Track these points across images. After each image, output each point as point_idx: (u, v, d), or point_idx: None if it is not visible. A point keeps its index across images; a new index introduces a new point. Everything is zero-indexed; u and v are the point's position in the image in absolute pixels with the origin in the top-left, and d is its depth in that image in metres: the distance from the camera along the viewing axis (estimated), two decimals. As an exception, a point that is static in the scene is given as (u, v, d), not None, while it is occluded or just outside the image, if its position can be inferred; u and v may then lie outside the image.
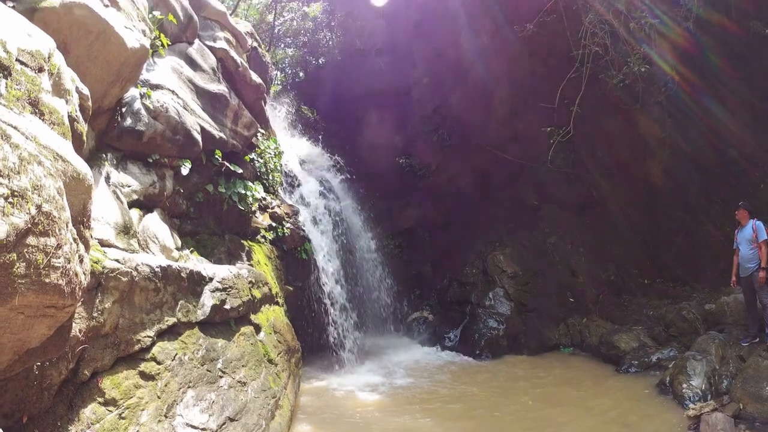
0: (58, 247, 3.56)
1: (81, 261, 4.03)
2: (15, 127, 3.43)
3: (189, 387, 5.99)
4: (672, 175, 16.62)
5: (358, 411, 9.87)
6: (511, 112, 17.45)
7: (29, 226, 3.25)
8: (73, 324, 4.62)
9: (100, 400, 5.00)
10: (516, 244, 16.33)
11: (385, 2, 18.62)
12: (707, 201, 16.31)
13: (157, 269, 6.02)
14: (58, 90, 4.46)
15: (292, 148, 14.79)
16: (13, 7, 5.42)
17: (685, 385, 10.20)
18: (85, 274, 4.11)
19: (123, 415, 5.07)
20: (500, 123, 17.51)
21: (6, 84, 3.67)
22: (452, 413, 9.91)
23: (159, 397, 5.51)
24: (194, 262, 7.98)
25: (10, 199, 3.12)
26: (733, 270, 10.87)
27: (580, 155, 17.36)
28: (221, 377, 6.69)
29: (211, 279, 7.39)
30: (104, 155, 7.21)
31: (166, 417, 5.46)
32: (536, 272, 15.75)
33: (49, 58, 4.26)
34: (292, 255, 11.89)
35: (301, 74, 23.22)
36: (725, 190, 15.65)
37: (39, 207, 3.34)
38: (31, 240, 3.29)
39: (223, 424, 6.11)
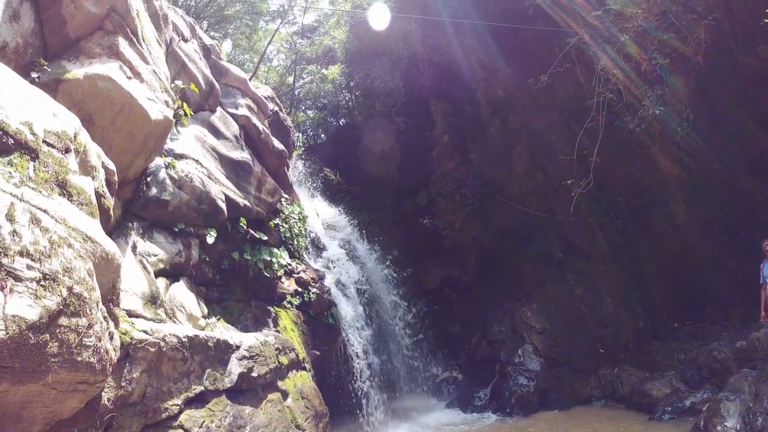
0: (89, 326, 3.72)
1: (111, 338, 4.19)
2: (45, 211, 3.60)
3: (217, 456, 6.07)
4: (694, 214, 16.43)
5: (390, 474, 9.82)
6: (531, 166, 17.56)
7: (61, 307, 3.42)
8: (102, 394, 4.74)
9: (130, 468, 5.10)
10: (543, 298, 16.25)
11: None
12: (730, 237, 16.11)
13: (184, 339, 6.17)
14: (85, 168, 4.62)
15: (316, 214, 14.99)
16: (38, 78, 5.65)
17: (719, 428, 9.92)
18: (115, 350, 4.27)
19: (151, 484, 5.16)
20: (521, 177, 17.63)
21: (34, 167, 3.82)
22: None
23: (188, 466, 5.59)
24: (221, 331, 8.12)
25: (42, 282, 3.29)
26: (762, 304, 10.75)
27: (602, 204, 17.27)
28: (249, 445, 6.75)
29: (238, 347, 7.51)
30: (130, 224, 7.41)
31: (195, 486, 5.53)
32: (564, 326, 15.62)
33: (75, 137, 4.43)
34: (319, 319, 11.97)
35: (322, 136, 23.59)
36: (747, 223, 15.51)
37: (70, 289, 3.51)
38: (63, 320, 3.45)
39: (252, 492, 6.16)
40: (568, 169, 14.98)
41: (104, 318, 4.04)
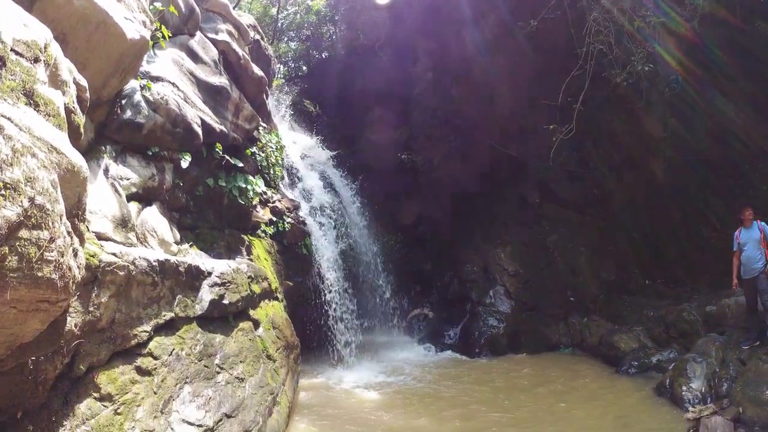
0: (52, 240, 3.48)
1: (75, 255, 3.96)
2: (9, 119, 3.36)
3: (186, 383, 5.92)
4: (674, 175, 16.50)
5: (356, 409, 9.82)
6: (514, 109, 17.33)
7: (22, 219, 3.18)
8: (69, 318, 4.54)
9: (96, 395, 4.92)
10: (517, 242, 16.32)
11: (389, 0, 18.50)
12: (707, 203, 16.19)
13: (154, 263, 5.95)
14: (55, 81, 4.36)
15: (294, 143, 14.69)
16: (12, -4, 5.32)
17: (684, 388, 10.14)
18: (79, 268, 4.04)
19: (118, 410, 5.00)
20: (503, 119, 17.39)
21: (0, 75, 3.59)
22: (450, 412, 9.85)
23: (155, 393, 5.44)
24: (193, 257, 7.91)
25: (3, 192, 3.05)
26: (734, 272, 10.74)
27: (583, 153, 17.32)
28: (219, 373, 6.62)
29: (209, 273, 7.31)
30: (103, 148, 7.12)
31: (162, 413, 5.39)
32: (537, 270, 15.74)
33: (45, 48, 4.16)
34: (293, 250, 11.81)
35: (304, 68, 23.10)
36: (725, 192, 15.53)
37: (32, 200, 3.26)
38: (23, 233, 3.22)
39: (220, 420, 6.04)
40: (550, 115, 14.78)
41: (68, 233, 3.79)
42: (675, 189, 16.48)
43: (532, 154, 16.87)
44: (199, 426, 5.67)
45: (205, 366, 6.43)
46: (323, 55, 22.40)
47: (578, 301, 15.48)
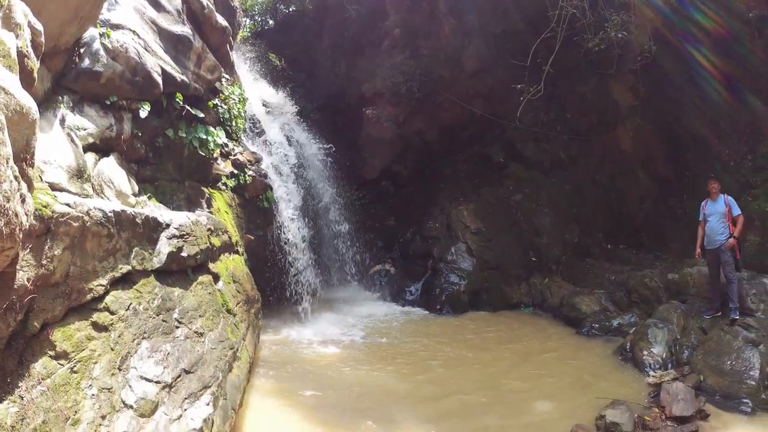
0: (-3, 185, 3.30)
1: (23, 201, 3.77)
2: (-47, 57, 3.14)
3: (143, 338, 5.79)
4: (642, 144, 16.68)
5: (318, 364, 9.84)
6: (483, 68, 17.25)
7: (-36, 163, 2.99)
8: (20, 272, 4.35)
9: (51, 353, 4.75)
10: (480, 200, 16.34)
11: None
12: (676, 173, 16.37)
13: (110, 214, 5.75)
14: (8, 23, 4.15)
15: (257, 96, 14.37)
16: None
17: (645, 352, 10.32)
18: (27, 215, 3.85)
19: (75, 368, 4.85)
20: (470, 78, 17.32)
21: None
22: (410, 368, 9.94)
23: (112, 349, 5.30)
24: (151, 208, 7.70)
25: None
26: (698, 242, 10.93)
27: (550, 116, 17.38)
28: (177, 328, 6.49)
29: (167, 225, 7.13)
30: (60, 98, 6.84)
31: (119, 370, 5.26)
32: (500, 230, 15.79)
33: (-3, -11, 3.93)
34: (254, 203, 11.63)
35: (270, 22, 22.53)
36: (695, 164, 15.68)
37: (-24, 143, 3.07)
38: (-34, 179, 3.03)
39: (178, 376, 5.94)
40: (519, 76, 14.72)
41: (15, 178, 3.60)
42: (643, 157, 16.65)
43: (500, 114, 16.87)
44: (158, 382, 5.55)
45: (164, 321, 6.30)
46: (291, 10, 21.82)
47: (540, 261, 15.64)
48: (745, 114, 15.11)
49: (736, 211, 10.57)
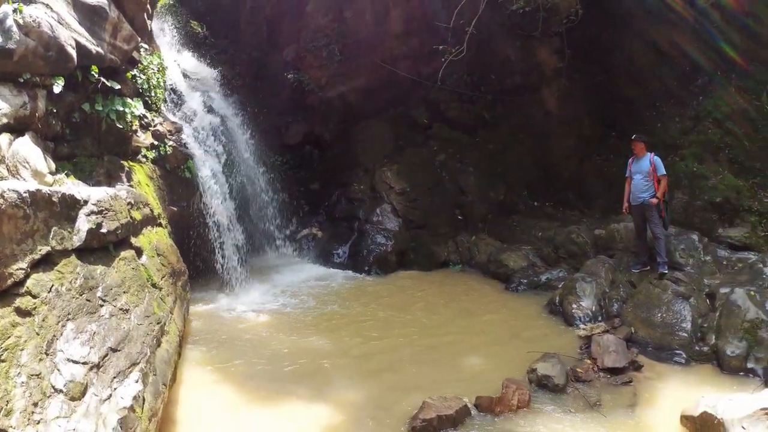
0: None
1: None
2: None
3: (68, 319, 5.72)
4: (568, 104, 17.09)
5: (249, 332, 9.90)
6: (407, 30, 17.30)
7: None
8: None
9: (-24, 343, 4.68)
10: (404, 161, 16.46)
11: None
12: (603, 133, 16.85)
13: (24, 194, 5.60)
14: None
15: (178, 64, 13.97)
16: None
17: (575, 306, 10.67)
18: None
19: (2, 357, 4.76)
20: (394, 40, 17.35)
21: None
22: (340, 330, 10.12)
23: (38, 334, 5.23)
24: (68, 186, 7.51)
25: None
26: (625, 197, 11.28)
27: (474, 78, 17.54)
28: (102, 306, 6.42)
29: (86, 202, 6.96)
30: (-28, 80, 6.57)
31: (47, 354, 5.20)
32: (425, 190, 15.98)
33: None
34: (176, 174, 11.40)
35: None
36: (621, 125, 16.12)
37: None
38: None
39: (105, 355, 5.90)
40: (443, 37, 14.82)
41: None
42: (569, 117, 17.08)
43: (424, 76, 17.01)
44: (85, 363, 5.52)
45: (87, 300, 6.22)
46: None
47: (467, 220, 15.91)
48: (674, 79, 15.63)
49: (661, 171, 10.87)
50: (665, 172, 10.95)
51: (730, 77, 14.62)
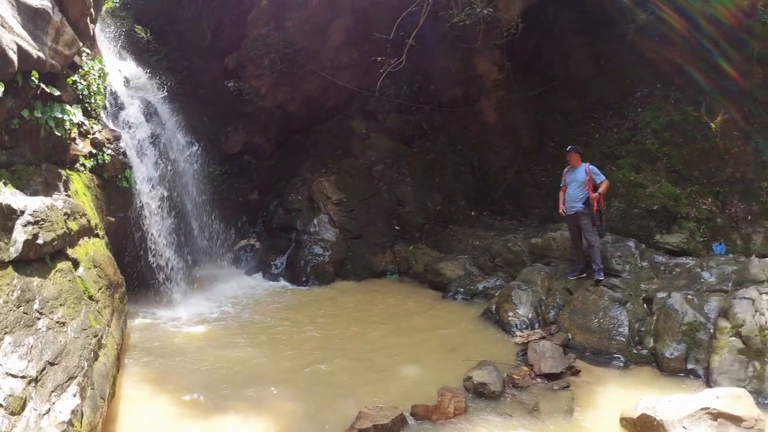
0: None
1: None
2: None
3: (6, 333, 5.64)
4: (506, 116, 17.46)
5: (187, 345, 9.85)
6: (348, 41, 17.50)
7: None
8: None
9: None
10: (342, 171, 16.64)
11: None
12: (541, 144, 17.33)
13: (-39, 205, 5.51)
14: None
15: (119, 70, 13.73)
16: None
17: (511, 313, 10.84)
18: None
19: (-58, 372, 4.70)
20: (335, 50, 17.53)
21: None
22: (278, 341, 10.18)
23: (-25, 348, 5.15)
24: (5, 195, 7.36)
25: None
26: (560, 204, 11.50)
27: (413, 88, 17.87)
28: (39, 319, 6.33)
29: (22, 212, 6.84)
30: None
31: (-16, 368, 5.12)
32: (361, 200, 16.15)
33: None
34: (113, 183, 11.20)
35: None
36: (560, 136, 16.63)
37: None
38: None
39: (43, 369, 5.83)
40: (383, 49, 15.07)
41: None
42: (507, 128, 17.46)
43: (363, 86, 17.22)
44: (23, 377, 5.45)
45: (25, 313, 6.13)
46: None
47: (404, 230, 16.13)
48: (613, 91, 16.16)
49: (600, 177, 11.09)
50: (605, 177, 11.21)
51: (669, 89, 15.30)
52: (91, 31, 11.37)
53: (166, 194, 12.76)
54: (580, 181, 11.12)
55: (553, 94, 17.21)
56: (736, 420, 6.51)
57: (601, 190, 10.98)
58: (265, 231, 16.33)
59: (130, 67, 14.80)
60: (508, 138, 17.57)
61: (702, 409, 6.60)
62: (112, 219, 10.95)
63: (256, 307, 12.23)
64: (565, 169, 11.58)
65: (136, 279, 11.75)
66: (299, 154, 17.51)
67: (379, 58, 14.56)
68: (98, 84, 11.14)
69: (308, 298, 13.05)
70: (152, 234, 11.81)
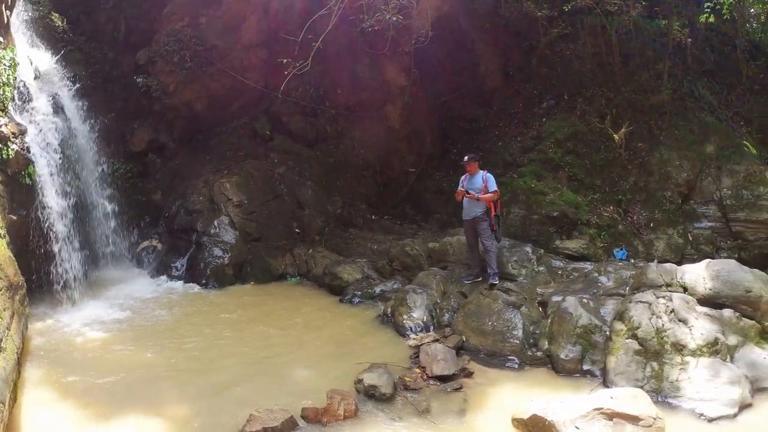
0: None
1: None
2: None
3: None
4: (411, 122, 17.97)
5: (88, 347, 9.86)
6: (259, 41, 17.61)
7: None
8: None
9: None
10: (243, 172, 16.54)
11: None
12: (444, 150, 18.02)
13: None
14: None
15: (30, 61, 13.25)
16: None
17: (405, 317, 10.89)
18: None
19: None
20: (246, 49, 17.60)
21: None
22: (175, 345, 10.23)
23: None
24: None
25: None
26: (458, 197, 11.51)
27: (320, 91, 18.08)
28: (-60, 324, 6.31)
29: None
30: None
31: None
32: (263, 202, 16.16)
33: None
34: (16, 180, 10.98)
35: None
36: (464, 143, 17.26)
37: None
38: None
39: (-58, 376, 5.84)
40: (292, 50, 15.18)
41: None
42: (410, 134, 18.00)
43: (271, 87, 17.24)
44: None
45: (-73, 318, 6.11)
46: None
47: (304, 233, 16.21)
48: (520, 101, 16.89)
49: (493, 187, 11.17)
50: (497, 189, 11.33)
51: (576, 101, 16.17)
52: (6, 18, 11.12)
53: (69, 191, 12.59)
54: (477, 189, 11.19)
55: (460, 102, 17.89)
56: (633, 419, 6.63)
57: (484, 196, 11.08)
58: (167, 232, 16.06)
59: (42, 57, 14.39)
60: (412, 143, 18.14)
61: (596, 409, 6.71)
62: (14, 217, 10.75)
63: (156, 310, 12.17)
64: (463, 177, 11.64)
65: (38, 280, 11.55)
66: (203, 155, 17.32)
67: (285, 60, 14.63)
68: (8, 75, 10.91)
69: (207, 301, 13.07)
70: (53, 234, 11.64)
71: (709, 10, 14.46)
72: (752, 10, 21.65)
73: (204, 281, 14.20)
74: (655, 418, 6.71)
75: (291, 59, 14.56)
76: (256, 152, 17.41)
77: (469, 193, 11.12)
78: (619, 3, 15.60)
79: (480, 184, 11.23)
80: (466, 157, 11.75)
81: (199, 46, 16.88)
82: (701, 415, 7.72)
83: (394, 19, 14.74)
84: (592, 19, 16.68)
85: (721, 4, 14.31)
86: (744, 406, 7.81)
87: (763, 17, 22.65)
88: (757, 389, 8.19)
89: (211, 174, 16.51)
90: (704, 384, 8.05)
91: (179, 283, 14.38)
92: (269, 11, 17.36)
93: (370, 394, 8.06)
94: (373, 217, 17.38)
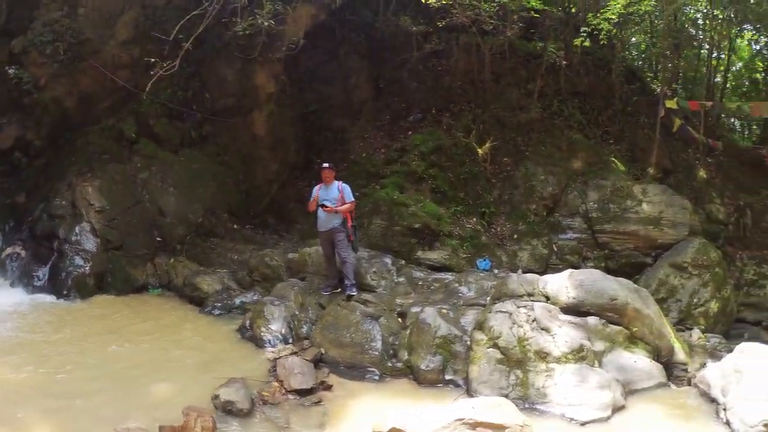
0: None
1: None
2: None
3: None
4: (276, 130, 18.37)
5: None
6: (133, 38, 17.39)
7: None
8: None
9: None
10: (107, 176, 16.13)
11: None
12: (308, 160, 18.54)
13: None
14: None
15: None
16: None
17: (264, 329, 10.89)
18: None
19: None
20: (120, 45, 17.30)
21: None
22: (30, 359, 9.82)
23: None
24: None
25: None
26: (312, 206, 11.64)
27: (188, 94, 18.12)
28: None
29: None
30: None
31: None
32: (124, 208, 15.86)
33: None
34: None
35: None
36: (328, 152, 17.76)
37: None
38: None
39: None
40: (165, 50, 15.33)
41: None
42: (275, 142, 18.40)
43: (140, 87, 16.95)
44: None
45: None
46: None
47: (165, 242, 16.04)
48: (387, 114, 17.68)
49: (350, 198, 11.31)
50: (353, 199, 11.52)
51: (443, 116, 17.05)
52: None
53: None
54: (333, 199, 11.23)
55: (327, 112, 18.59)
56: (498, 428, 6.60)
57: (341, 208, 11.17)
58: (31, 238, 15.38)
59: None
60: (277, 152, 18.53)
61: (458, 419, 6.63)
62: None
63: (12, 322, 11.89)
64: (317, 186, 11.63)
65: None
66: (69, 156, 16.73)
67: (153, 60, 14.68)
68: None
69: (67, 313, 12.83)
70: None
71: (585, 35, 15.35)
72: (633, 39, 23.38)
73: (65, 292, 13.86)
74: (522, 426, 6.77)
75: (160, 59, 14.69)
76: (121, 155, 16.99)
77: (326, 206, 11.18)
78: (495, 23, 16.57)
79: (336, 194, 11.30)
80: (326, 164, 11.82)
81: (73, 38, 16.40)
82: (572, 419, 7.98)
83: (265, 24, 15.14)
84: (467, 37, 17.56)
85: (599, 31, 15.22)
86: (617, 409, 8.17)
87: (643, 45, 24.60)
88: (629, 391, 8.60)
89: (75, 176, 15.97)
90: (572, 389, 8.30)
91: (41, 294, 13.96)
92: (147, 6, 17.27)
93: (228, 409, 7.93)
94: (235, 226, 17.49)
